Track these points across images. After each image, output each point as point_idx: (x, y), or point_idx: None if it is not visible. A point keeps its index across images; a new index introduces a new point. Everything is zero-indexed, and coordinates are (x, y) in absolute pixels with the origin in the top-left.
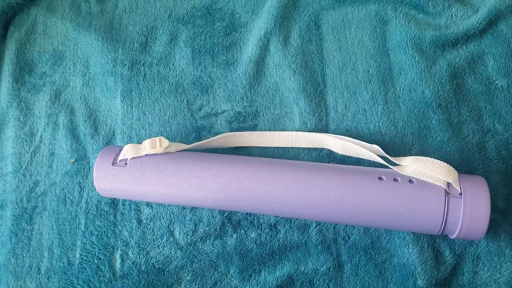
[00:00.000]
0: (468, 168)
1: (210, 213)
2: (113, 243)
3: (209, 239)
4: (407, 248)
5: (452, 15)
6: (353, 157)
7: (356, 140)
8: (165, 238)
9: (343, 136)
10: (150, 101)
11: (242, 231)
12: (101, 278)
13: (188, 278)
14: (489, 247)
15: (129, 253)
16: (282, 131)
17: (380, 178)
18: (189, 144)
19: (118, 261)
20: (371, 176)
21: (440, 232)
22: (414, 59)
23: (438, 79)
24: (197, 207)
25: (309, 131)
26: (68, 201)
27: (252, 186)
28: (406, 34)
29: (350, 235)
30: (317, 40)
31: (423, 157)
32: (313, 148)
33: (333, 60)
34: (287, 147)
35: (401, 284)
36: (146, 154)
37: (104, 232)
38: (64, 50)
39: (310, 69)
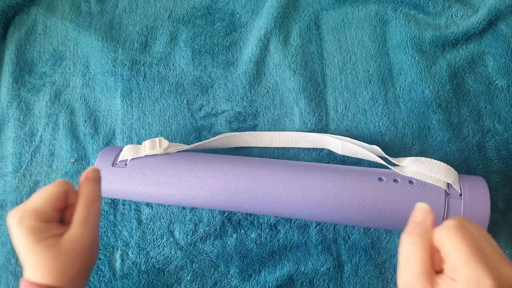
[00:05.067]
0: (468, 168)
1: (210, 213)
2: (113, 243)
3: (209, 239)
4: None
5: (452, 15)
6: (353, 157)
7: (356, 141)
8: (165, 238)
9: (343, 137)
10: (150, 101)
11: (242, 231)
12: (101, 278)
13: (188, 278)
14: None
15: (129, 253)
16: (282, 131)
17: (380, 179)
18: (189, 145)
19: (118, 261)
20: (371, 176)
21: None
22: (414, 59)
23: (438, 79)
24: (197, 207)
25: (309, 131)
26: None
27: (252, 186)
28: (406, 34)
29: (350, 235)
30: (317, 40)
31: (423, 158)
32: (313, 148)
33: (333, 60)
34: (287, 147)
35: None
36: (146, 155)
37: (104, 232)
38: (64, 50)
39: (310, 69)
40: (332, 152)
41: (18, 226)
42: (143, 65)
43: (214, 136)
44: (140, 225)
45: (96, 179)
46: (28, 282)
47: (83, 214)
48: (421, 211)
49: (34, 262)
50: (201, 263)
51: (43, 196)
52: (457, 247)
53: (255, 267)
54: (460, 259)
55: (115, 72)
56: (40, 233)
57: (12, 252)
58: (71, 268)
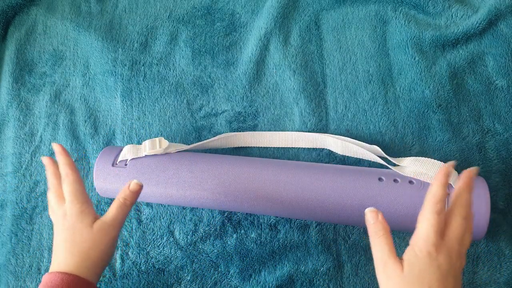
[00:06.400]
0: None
1: (210, 213)
2: None
3: (209, 239)
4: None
5: (452, 15)
6: (353, 157)
7: (356, 141)
8: (165, 238)
9: (343, 137)
10: (150, 101)
11: (242, 231)
12: (101, 278)
13: (188, 278)
14: (489, 247)
15: (129, 253)
16: (282, 131)
17: (380, 179)
18: (189, 145)
19: (118, 261)
20: (371, 176)
21: None
22: (414, 59)
23: (438, 79)
24: (197, 207)
25: (309, 131)
26: None
27: (252, 186)
28: (406, 34)
29: (350, 235)
30: (317, 40)
31: (423, 158)
32: (313, 148)
33: (333, 60)
34: (287, 147)
35: None
36: (146, 155)
37: None
38: (64, 50)
39: (310, 69)
40: (332, 152)
41: (72, 207)
42: (143, 65)
43: (214, 136)
44: (140, 225)
45: (137, 192)
46: (52, 273)
47: (115, 212)
48: (370, 214)
49: (68, 245)
50: (201, 263)
51: (79, 181)
52: (424, 220)
53: (255, 267)
54: (421, 230)
55: (115, 72)
56: (84, 215)
57: (12, 252)
58: (94, 252)
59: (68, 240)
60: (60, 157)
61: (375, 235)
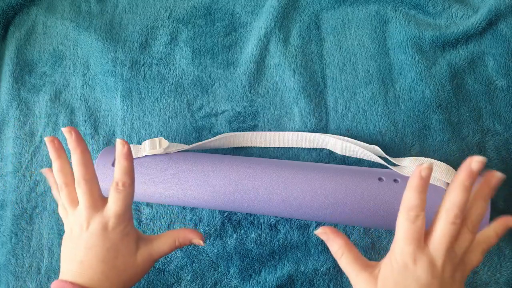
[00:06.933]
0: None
1: (210, 213)
2: None
3: (209, 239)
4: None
5: (452, 15)
6: (353, 157)
7: (356, 141)
8: None
9: (343, 137)
10: (150, 101)
11: (242, 231)
12: None
13: (188, 278)
14: None
15: None
16: (282, 131)
17: (380, 179)
18: (189, 145)
19: None
20: (371, 176)
21: None
22: (414, 59)
23: (438, 79)
24: (197, 207)
25: (309, 131)
26: None
27: (252, 186)
28: (406, 34)
29: (350, 235)
30: (317, 40)
31: (422, 158)
32: (313, 148)
33: (333, 60)
34: (287, 147)
35: None
36: (146, 155)
37: None
38: (64, 50)
39: (310, 69)
40: (332, 152)
41: (118, 224)
42: (143, 65)
43: (214, 136)
44: (140, 225)
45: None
46: (74, 284)
47: (166, 248)
48: (321, 237)
49: (107, 267)
50: (201, 263)
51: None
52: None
53: (255, 267)
54: (399, 236)
55: (115, 72)
56: (129, 238)
57: (12, 252)
58: (130, 283)
59: (108, 262)
60: (81, 156)
61: (336, 256)
